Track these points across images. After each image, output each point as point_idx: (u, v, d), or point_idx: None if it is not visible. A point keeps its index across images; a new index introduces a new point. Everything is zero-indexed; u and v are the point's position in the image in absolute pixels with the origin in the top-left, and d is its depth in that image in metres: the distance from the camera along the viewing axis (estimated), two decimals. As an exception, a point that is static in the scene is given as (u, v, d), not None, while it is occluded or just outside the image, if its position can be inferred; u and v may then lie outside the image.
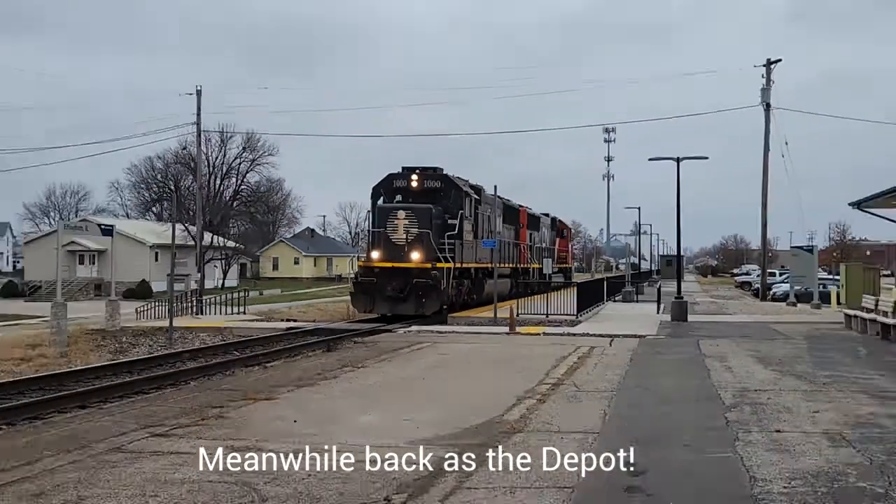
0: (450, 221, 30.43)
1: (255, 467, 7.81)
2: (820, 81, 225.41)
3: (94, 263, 75.08)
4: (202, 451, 8.38)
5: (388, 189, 31.82)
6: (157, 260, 73.01)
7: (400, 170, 31.93)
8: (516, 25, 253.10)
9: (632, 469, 7.74)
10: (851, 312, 25.63)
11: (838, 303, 36.62)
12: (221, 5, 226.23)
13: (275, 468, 7.79)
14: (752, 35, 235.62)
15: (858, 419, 10.25)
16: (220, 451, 8.48)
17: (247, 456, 8.26)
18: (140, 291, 62.87)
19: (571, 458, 8.20)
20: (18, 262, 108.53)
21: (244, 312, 36.24)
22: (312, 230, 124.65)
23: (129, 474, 7.54)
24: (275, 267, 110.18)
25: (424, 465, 7.96)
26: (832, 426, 9.79)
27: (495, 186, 34.59)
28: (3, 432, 10.61)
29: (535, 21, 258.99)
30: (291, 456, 8.28)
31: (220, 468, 7.77)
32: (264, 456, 8.29)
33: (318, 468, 7.80)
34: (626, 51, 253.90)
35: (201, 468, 7.78)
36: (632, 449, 8.56)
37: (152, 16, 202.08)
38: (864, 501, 6.70)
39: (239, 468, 7.78)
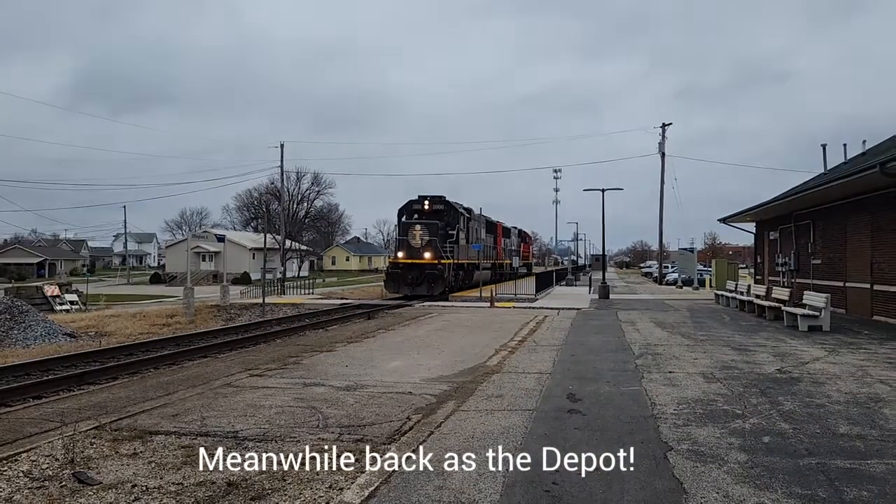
0: (450, 232, 30.51)
1: (320, 397, 7.81)
2: (696, 136, 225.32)
3: (212, 260, 74.84)
4: (285, 385, 8.41)
5: (409, 210, 31.80)
6: (253, 258, 72.56)
7: (416, 197, 31.96)
8: (496, 99, 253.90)
9: (572, 398, 7.73)
10: (720, 292, 25.57)
11: (711, 286, 36.57)
12: (298, 83, 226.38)
13: (333, 397, 7.79)
14: (651, 106, 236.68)
15: (724, 364, 10.21)
16: (297, 385, 8.50)
17: (315, 389, 8.28)
18: (243, 279, 62.67)
19: (532, 390, 8.21)
20: (162, 259, 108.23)
21: (312, 293, 36.15)
22: (358, 238, 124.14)
23: (236, 401, 7.53)
24: (333, 263, 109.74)
25: (432, 395, 7.96)
26: (706, 369, 9.76)
27: (480, 208, 34.91)
28: (151, 374, 10.60)
29: (510, 96, 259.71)
30: (344, 389, 8.29)
31: (296, 397, 7.77)
32: (326, 389, 8.31)
33: (361, 397, 7.79)
34: (567, 117, 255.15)
35: (284, 397, 7.78)
36: (572, 384, 8.57)
37: (251, 89, 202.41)
38: (727, 418, 6.68)
39: (310, 397, 7.77)
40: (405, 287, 28.82)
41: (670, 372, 9.47)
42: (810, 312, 15.12)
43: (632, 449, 5.56)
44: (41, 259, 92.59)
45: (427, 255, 28.92)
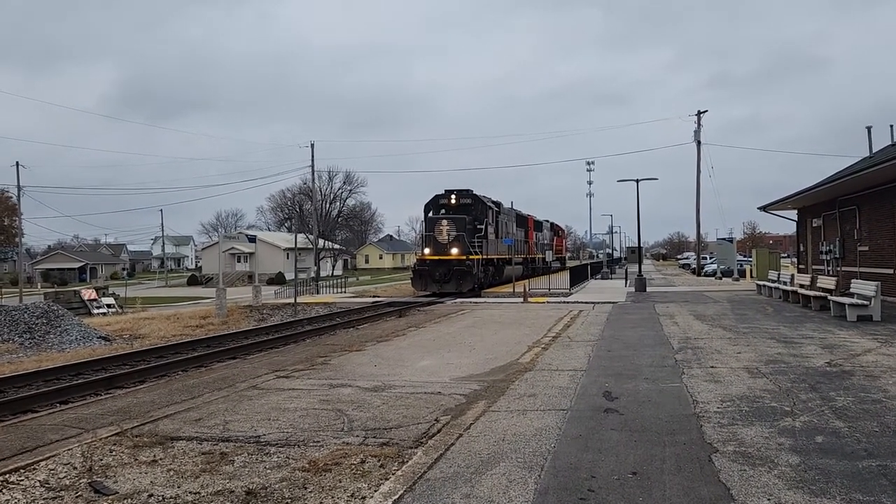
0: (478, 226, 29.63)
1: (347, 398, 7.61)
2: (730, 125, 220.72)
3: (246, 261, 75.59)
4: (311, 387, 8.24)
5: (436, 205, 31.05)
6: (287, 258, 73.07)
7: (443, 191, 31.20)
8: (524, 94, 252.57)
9: (608, 397, 7.39)
10: (762, 283, 24.80)
11: (751, 276, 35.62)
12: (330, 85, 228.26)
13: (360, 398, 7.57)
14: (683, 96, 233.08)
15: (769, 357, 9.75)
16: (323, 386, 8.31)
17: (341, 390, 8.08)
18: (277, 279, 63.27)
19: (566, 388, 7.89)
20: (199, 261, 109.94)
21: (345, 292, 36.23)
22: (391, 236, 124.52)
23: (260, 404, 7.37)
24: (366, 261, 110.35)
25: (462, 395, 7.69)
26: (751, 363, 9.32)
27: (511, 202, 34.50)
28: (178, 377, 10.52)
29: (539, 91, 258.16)
30: (371, 390, 8.08)
31: (322, 399, 7.58)
32: (353, 390, 8.10)
33: (389, 398, 7.56)
34: (596, 110, 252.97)
35: (310, 399, 7.60)
36: (608, 382, 8.22)
37: (284, 93, 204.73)
38: (775, 416, 6.28)
39: (336, 399, 7.57)
40: (433, 284, 28.20)
41: (712, 367, 9.05)
42: (859, 301, 14.47)
43: (673, 451, 5.23)
44: (82, 264, 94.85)
45: (454, 250, 28.21)
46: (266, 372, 9.60)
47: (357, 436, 6.04)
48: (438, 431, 6.10)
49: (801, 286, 19.51)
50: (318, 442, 5.85)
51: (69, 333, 17.23)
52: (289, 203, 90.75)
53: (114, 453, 5.62)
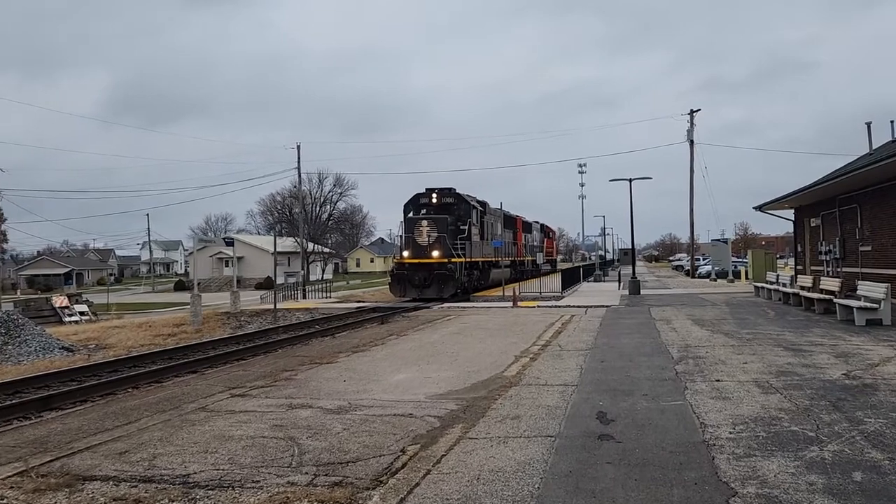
0: (461, 227, 28.03)
1: (303, 423, 6.62)
2: (723, 128, 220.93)
3: (234, 266, 74.28)
4: (267, 408, 7.26)
5: (416, 204, 29.37)
6: (277, 262, 71.83)
7: (423, 190, 29.56)
8: (520, 99, 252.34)
9: (603, 419, 6.44)
10: (759, 284, 23.95)
11: (747, 278, 34.84)
12: (325, 90, 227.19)
13: (318, 423, 6.59)
14: (676, 100, 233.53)
15: (779, 368, 8.82)
16: (281, 407, 7.33)
17: (300, 412, 7.09)
18: (266, 284, 62.05)
19: (555, 408, 6.94)
20: (188, 266, 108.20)
21: (330, 297, 35.18)
22: (382, 239, 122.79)
23: (202, 431, 6.37)
24: (357, 265, 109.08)
25: (437, 417, 6.73)
26: (760, 375, 8.38)
27: (500, 203, 33.40)
28: (121, 396, 9.41)
29: (534, 95, 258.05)
30: (334, 411, 7.10)
31: (275, 424, 6.59)
32: (313, 411, 7.12)
33: (352, 422, 6.59)
34: (589, 112, 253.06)
35: (260, 424, 6.61)
36: (602, 400, 7.27)
37: (279, 97, 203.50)
38: (798, 444, 5.35)
39: (291, 424, 6.59)
40: (412, 290, 26.45)
41: (717, 380, 8.11)
42: (867, 305, 13.61)
43: (683, 494, 4.29)
44: (68, 269, 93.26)
45: (435, 253, 26.45)
46: (221, 390, 8.59)
47: (305, 473, 5.07)
48: (403, 466, 5.15)
49: (804, 288, 18.66)
50: (258, 482, 4.88)
51: (28, 344, 16.11)
52: (279, 207, 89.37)
53: (5, 500, 4.63)
